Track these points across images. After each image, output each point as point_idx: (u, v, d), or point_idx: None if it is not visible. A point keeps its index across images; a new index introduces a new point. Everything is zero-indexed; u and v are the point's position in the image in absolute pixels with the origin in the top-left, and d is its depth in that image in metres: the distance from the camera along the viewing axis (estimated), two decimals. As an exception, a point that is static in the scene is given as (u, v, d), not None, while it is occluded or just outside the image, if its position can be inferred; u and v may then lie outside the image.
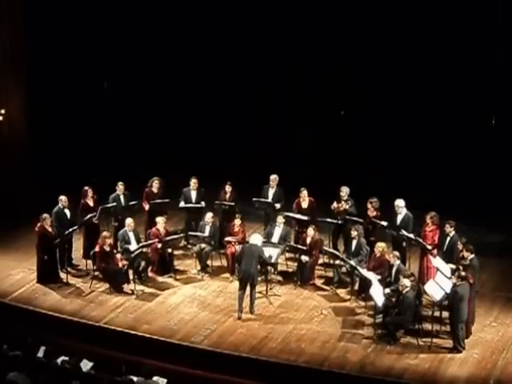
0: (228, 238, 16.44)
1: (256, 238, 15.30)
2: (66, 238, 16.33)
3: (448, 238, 15.17)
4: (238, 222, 16.56)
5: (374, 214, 16.31)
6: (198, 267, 16.52)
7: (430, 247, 15.32)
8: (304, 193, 16.98)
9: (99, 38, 20.55)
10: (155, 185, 17.48)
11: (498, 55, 17.88)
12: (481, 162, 18.43)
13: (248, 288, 14.87)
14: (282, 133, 20.07)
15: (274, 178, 17.53)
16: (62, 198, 16.63)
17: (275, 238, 16.33)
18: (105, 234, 16.01)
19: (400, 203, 16.02)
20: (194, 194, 17.55)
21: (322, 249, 16.30)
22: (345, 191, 16.77)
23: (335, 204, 16.79)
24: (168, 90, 21.03)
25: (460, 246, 14.66)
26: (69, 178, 18.34)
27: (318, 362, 13.48)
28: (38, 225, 16.04)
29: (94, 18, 20.40)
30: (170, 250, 16.40)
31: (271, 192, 17.48)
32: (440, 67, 18.50)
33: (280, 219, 16.44)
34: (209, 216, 16.68)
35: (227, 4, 20.03)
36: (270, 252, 15.56)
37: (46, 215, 16.07)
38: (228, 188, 17.47)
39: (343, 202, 16.72)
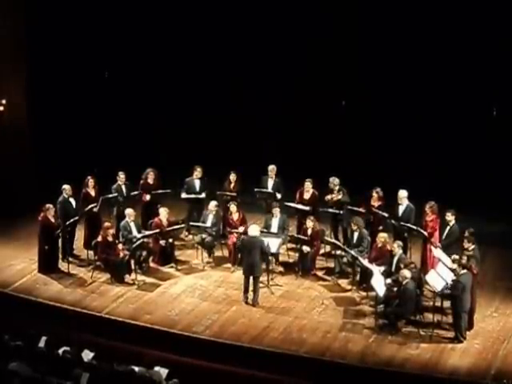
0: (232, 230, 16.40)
1: (254, 230, 15.13)
2: (68, 228, 16.32)
3: (448, 227, 15.18)
4: (233, 208, 16.46)
5: (379, 203, 16.23)
6: (200, 257, 16.51)
7: (429, 236, 15.33)
8: (308, 184, 16.92)
9: (100, 27, 20.48)
10: (150, 176, 17.41)
11: (498, 44, 17.83)
12: (482, 152, 18.42)
13: (251, 280, 14.89)
14: (284, 123, 20.05)
15: (272, 168, 17.48)
16: (66, 187, 16.52)
17: (274, 229, 16.32)
18: (107, 224, 15.97)
19: (403, 194, 16.00)
20: (197, 183, 17.49)
21: (323, 239, 16.30)
22: (335, 182, 16.71)
23: (328, 196, 16.77)
24: (169, 80, 20.98)
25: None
26: (69, 168, 18.32)
27: (320, 352, 13.49)
28: (42, 214, 15.99)
29: (95, 7, 20.33)
30: (171, 241, 16.39)
31: (270, 182, 17.45)
32: (441, 57, 18.45)
33: (276, 210, 16.41)
34: (212, 204, 16.64)
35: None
36: (271, 242, 15.54)
37: (49, 205, 16.01)
38: (233, 177, 17.38)
39: (335, 193, 16.71)
